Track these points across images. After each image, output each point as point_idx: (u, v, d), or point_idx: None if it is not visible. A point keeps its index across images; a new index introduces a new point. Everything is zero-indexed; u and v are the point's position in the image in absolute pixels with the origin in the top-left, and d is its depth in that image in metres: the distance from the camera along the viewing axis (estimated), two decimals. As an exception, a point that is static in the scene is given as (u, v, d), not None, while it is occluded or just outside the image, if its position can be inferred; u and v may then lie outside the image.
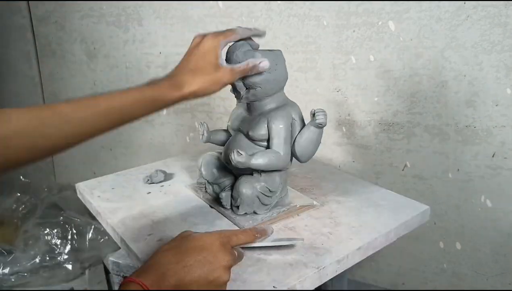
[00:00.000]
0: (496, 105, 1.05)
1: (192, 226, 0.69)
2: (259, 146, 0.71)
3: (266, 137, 0.70)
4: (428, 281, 1.27)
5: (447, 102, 1.10)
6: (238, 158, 0.65)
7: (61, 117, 0.51)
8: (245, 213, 0.71)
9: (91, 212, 0.82)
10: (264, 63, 0.65)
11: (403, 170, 1.20)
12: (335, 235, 0.68)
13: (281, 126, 0.69)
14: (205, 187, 0.78)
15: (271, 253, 0.63)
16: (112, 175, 0.92)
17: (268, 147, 0.71)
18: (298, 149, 0.71)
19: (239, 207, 0.70)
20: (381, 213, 0.75)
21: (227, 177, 0.75)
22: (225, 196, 0.73)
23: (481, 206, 1.13)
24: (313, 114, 0.68)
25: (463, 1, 1.02)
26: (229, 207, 0.73)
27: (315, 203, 0.78)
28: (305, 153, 0.72)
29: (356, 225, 0.71)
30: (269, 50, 0.69)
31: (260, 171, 0.71)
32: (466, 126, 1.09)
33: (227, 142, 0.75)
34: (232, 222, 0.71)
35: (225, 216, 0.73)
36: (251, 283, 0.56)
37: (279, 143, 0.69)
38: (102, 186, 0.86)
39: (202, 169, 0.76)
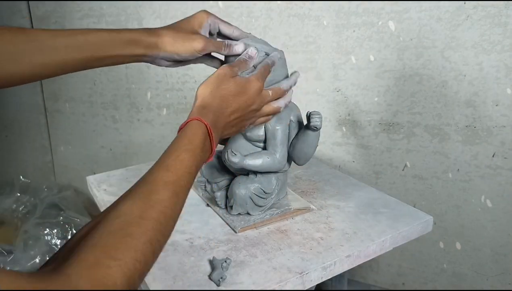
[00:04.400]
0: (496, 105, 1.05)
1: (186, 224, 0.70)
2: (256, 146, 0.71)
3: (263, 138, 0.70)
4: (428, 281, 1.27)
5: (447, 102, 1.10)
6: (232, 158, 0.65)
7: (35, 44, 0.51)
8: (239, 214, 0.71)
9: (98, 205, 0.83)
10: (239, 47, 0.64)
11: (403, 170, 1.20)
12: (326, 241, 0.66)
13: (277, 127, 0.69)
14: (205, 185, 0.79)
15: (257, 255, 0.62)
16: (122, 170, 0.94)
17: (265, 148, 0.71)
18: (294, 152, 0.70)
19: (233, 207, 0.70)
20: (379, 220, 0.72)
21: (226, 177, 0.75)
22: (220, 195, 0.73)
23: (481, 206, 1.13)
24: (308, 117, 0.66)
25: (463, 1, 1.02)
26: (223, 207, 0.73)
27: (312, 206, 0.76)
28: (301, 156, 0.71)
29: (350, 231, 0.69)
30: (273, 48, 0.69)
31: (255, 172, 0.71)
32: (466, 126, 1.09)
33: (228, 142, 0.75)
34: (225, 221, 0.72)
35: (219, 215, 0.73)
36: (230, 284, 0.56)
37: (274, 145, 0.69)
38: (111, 179, 0.88)
39: (203, 168, 0.76)
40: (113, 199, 0.77)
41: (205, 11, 0.67)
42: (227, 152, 0.66)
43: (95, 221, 0.41)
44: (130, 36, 0.57)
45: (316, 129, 0.66)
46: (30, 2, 1.56)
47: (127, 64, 1.47)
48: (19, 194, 1.63)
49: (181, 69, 1.39)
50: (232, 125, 0.58)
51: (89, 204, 1.66)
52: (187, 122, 0.52)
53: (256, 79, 0.59)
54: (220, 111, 0.54)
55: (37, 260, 1.40)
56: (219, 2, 1.26)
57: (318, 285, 0.71)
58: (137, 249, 0.38)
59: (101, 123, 1.59)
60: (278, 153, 0.69)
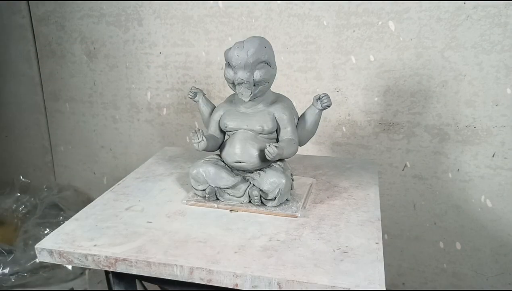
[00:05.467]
0: (496, 105, 1.05)
1: (245, 231, 0.69)
2: (266, 138, 0.75)
3: (275, 129, 0.75)
4: (428, 281, 1.27)
5: (447, 102, 1.10)
6: (278, 150, 0.68)
7: None
8: (280, 203, 0.74)
9: (98, 267, 0.63)
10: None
11: (403, 170, 1.20)
12: (360, 193, 0.81)
13: (289, 115, 0.75)
14: (215, 195, 0.77)
15: (338, 223, 0.72)
16: (70, 222, 0.73)
17: (277, 138, 0.76)
18: (305, 133, 0.78)
19: (276, 198, 0.73)
20: (359, 171, 0.92)
21: (236, 178, 0.75)
22: (255, 193, 0.74)
23: (481, 206, 1.13)
24: (318, 99, 0.76)
25: (463, 1, 1.02)
26: (260, 204, 0.74)
27: (313, 179, 0.88)
28: (309, 136, 0.79)
29: (359, 183, 0.86)
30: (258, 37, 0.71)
31: (277, 160, 0.75)
32: (466, 126, 1.09)
33: (232, 142, 0.74)
34: (274, 215, 0.73)
35: (260, 213, 0.74)
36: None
37: (293, 131, 0.75)
38: (78, 234, 0.69)
39: (210, 181, 0.75)
40: (118, 250, 0.63)
41: None
42: (270, 146, 0.69)
43: None
44: None
45: (327, 108, 0.77)
46: (30, 2, 1.56)
47: (127, 64, 1.47)
48: (19, 194, 1.63)
49: (181, 69, 1.39)
50: None
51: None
52: None
53: None
54: None
55: (37, 260, 1.40)
56: (219, 2, 1.26)
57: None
58: None
59: (101, 123, 1.59)
60: (296, 137, 0.76)
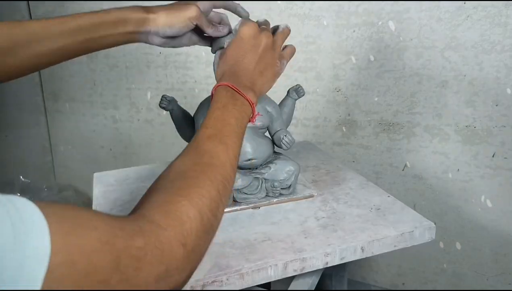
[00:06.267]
0: (496, 105, 1.05)
1: (290, 220, 0.69)
2: (263, 132, 0.76)
3: (268, 123, 0.76)
4: (428, 281, 1.27)
5: (447, 102, 1.10)
6: (292, 138, 0.72)
7: (31, 35, 0.52)
8: (293, 189, 0.76)
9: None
10: (223, 28, 0.65)
11: (403, 170, 1.20)
12: (350, 199, 0.79)
13: (277, 107, 0.77)
14: (233, 197, 0.75)
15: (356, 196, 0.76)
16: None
17: (270, 131, 0.77)
18: (286, 123, 0.80)
19: (291, 185, 0.75)
20: (358, 172, 0.89)
21: (249, 176, 0.74)
22: (277, 185, 0.74)
23: (481, 206, 1.13)
24: (296, 90, 0.80)
25: (463, 1, 1.02)
26: (279, 194, 0.75)
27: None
28: (287, 125, 0.81)
29: (354, 184, 0.84)
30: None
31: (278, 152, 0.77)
32: (466, 126, 1.09)
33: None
34: (295, 200, 0.75)
35: (283, 202, 0.74)
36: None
37: (283, 121, 0.77)
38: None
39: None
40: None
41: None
42: (286, 135, 0.71)
43: (154, 182, 0.44)
44: (118, 15, 0.57)
45: (302, 97, 0.82)
46: (30, 2, 1.56)
47: (127, 64, 1.47)
48: (19, 194, 1.63)
49: (181, 69, 1.39)
50: (260, 74, 0.58)
51: (90, 204, 1.66)
52: (212, 93, 0.53)
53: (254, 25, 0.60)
54: (235, 68, 0.56)
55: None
56: (219, 2, 1.26)
57: (318, 285, 0.71)
58: (199, 186, 0.40)
59: (101, 123, 1.59)
60: (285, 127, 0.77)
